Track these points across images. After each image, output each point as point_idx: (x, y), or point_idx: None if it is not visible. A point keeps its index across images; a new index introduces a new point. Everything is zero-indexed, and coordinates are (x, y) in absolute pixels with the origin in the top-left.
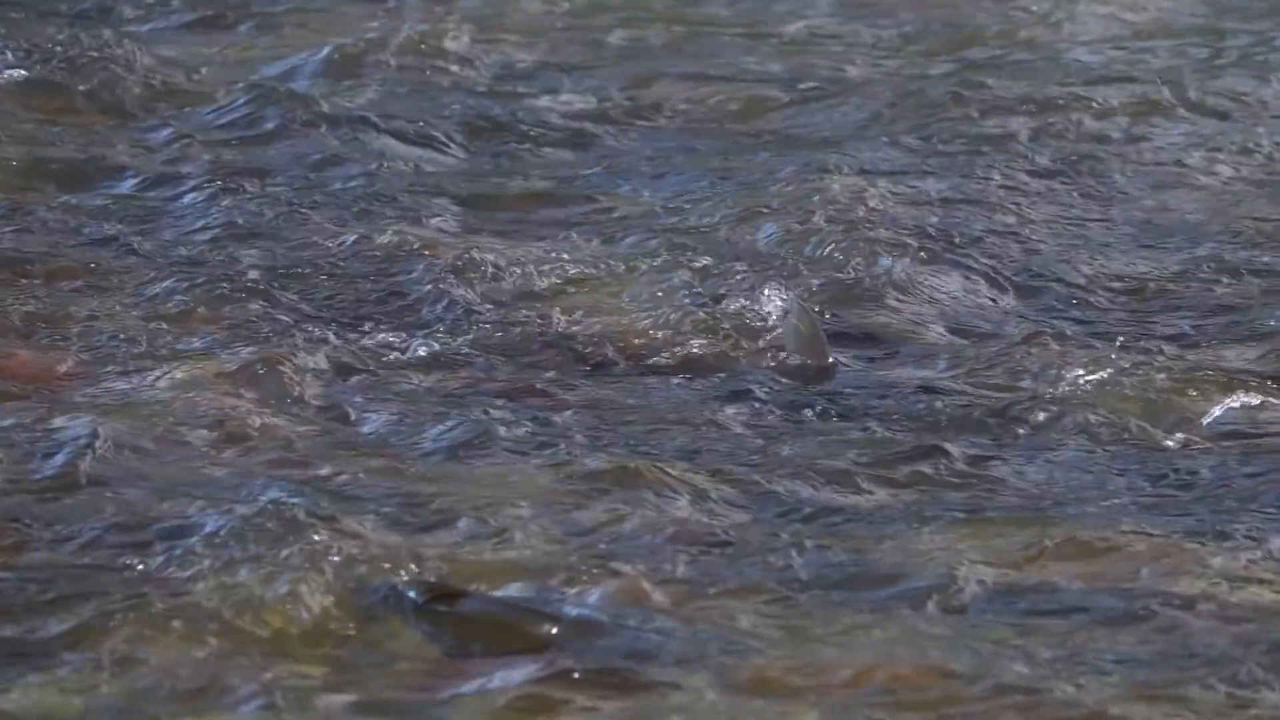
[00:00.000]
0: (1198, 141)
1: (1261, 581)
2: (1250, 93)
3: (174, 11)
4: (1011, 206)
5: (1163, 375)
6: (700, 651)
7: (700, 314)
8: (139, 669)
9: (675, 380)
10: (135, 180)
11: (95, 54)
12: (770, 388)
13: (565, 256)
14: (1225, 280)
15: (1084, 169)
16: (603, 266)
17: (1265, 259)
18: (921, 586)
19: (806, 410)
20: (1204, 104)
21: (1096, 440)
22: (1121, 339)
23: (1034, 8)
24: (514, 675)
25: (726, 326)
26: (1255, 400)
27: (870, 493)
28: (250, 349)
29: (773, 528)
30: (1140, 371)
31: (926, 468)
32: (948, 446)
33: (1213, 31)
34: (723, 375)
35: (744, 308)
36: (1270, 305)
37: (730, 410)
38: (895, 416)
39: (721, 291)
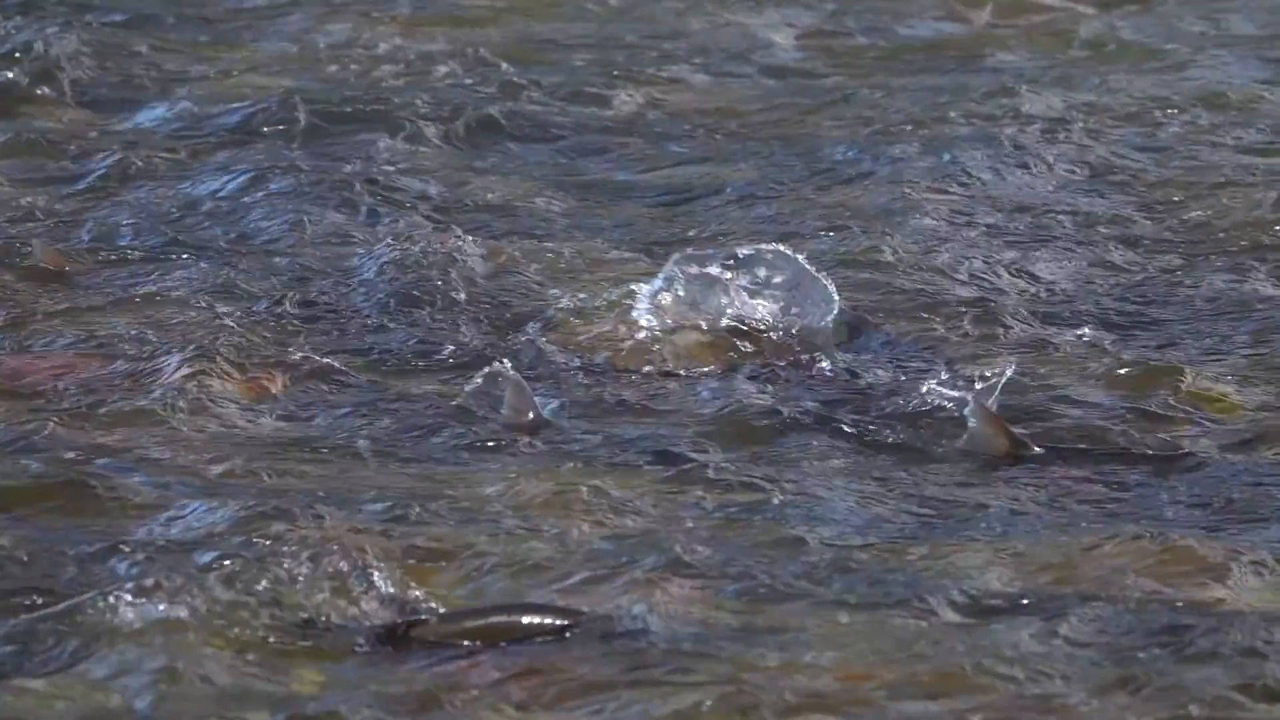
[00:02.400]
0: (1111, 142)
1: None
2: (1154, 96)
3: (127, 8)
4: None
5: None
6: (677, 650)
7: (676, 317)
8: (124, 676)
9: (650, 383)
10: (95, 174)
11: (41, 48)
12: (756, 390)
13: (539, 257)
14: (1136, 275)
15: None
16: (574, 268)
17: (1173, 250)
18: (904, 590)
19: (778, 411)
20: (1106, 105)
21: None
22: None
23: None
24: (494, 674)
25: (704, 329)
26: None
27: (841, 492)
28: (220, 350)
29: (746, 527)
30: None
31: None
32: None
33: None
34: (700, 377)
35: (722, 311)
36: (1182, 306)
37: (705, 413)
38: (865, 418)
39: (695, 296)
